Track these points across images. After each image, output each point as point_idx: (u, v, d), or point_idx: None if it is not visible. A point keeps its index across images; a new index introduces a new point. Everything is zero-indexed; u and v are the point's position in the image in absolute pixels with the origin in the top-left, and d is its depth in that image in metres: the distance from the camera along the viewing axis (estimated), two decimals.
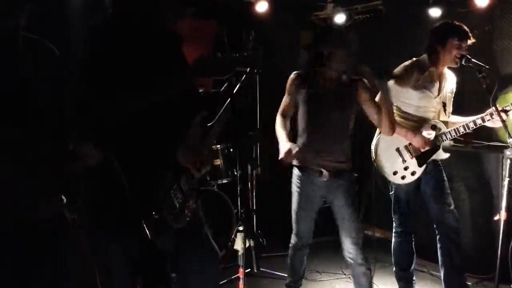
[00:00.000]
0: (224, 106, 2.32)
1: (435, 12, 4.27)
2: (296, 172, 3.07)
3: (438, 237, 3.38)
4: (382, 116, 2.89)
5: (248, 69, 2.31)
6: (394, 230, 3.53)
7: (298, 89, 3.00)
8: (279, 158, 2.80)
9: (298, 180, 3.05)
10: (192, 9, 2.08)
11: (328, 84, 2.96)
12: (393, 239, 3.55)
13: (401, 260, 3.53)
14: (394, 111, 3.26)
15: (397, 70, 3.30)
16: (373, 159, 3.42)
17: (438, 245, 3.38)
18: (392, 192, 3.45)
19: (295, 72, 3.07)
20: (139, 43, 1.95)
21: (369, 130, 3.45)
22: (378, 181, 3.61)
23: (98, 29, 1.98)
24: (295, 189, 3.08)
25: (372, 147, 3.44)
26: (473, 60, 3.06)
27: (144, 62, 1.93)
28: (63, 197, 1.80)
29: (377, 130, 3.47)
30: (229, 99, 2.27)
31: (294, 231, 3.14)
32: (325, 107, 2.93)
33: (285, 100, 3.08)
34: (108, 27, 1.96)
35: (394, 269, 3.59)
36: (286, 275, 4.11)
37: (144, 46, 1.96)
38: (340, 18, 4.99)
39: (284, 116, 3.05)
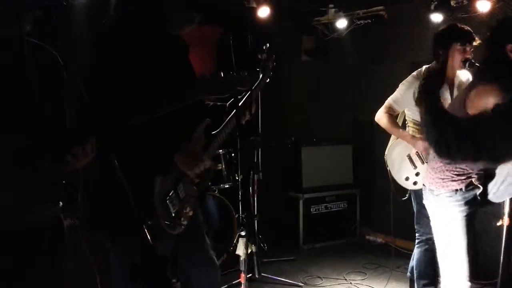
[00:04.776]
0: (230, 116, 2.28)
1: (436, 18, 4.26)
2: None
3: None
4: None
5: (249, 89, 2.28)
6: (416, 242, 3.36)
7: None
8: None
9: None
10: (198, 15, 2.06)
11: None
12: (415, 251, 3.37)
13: (423, 272, 3.30)
14: (406, 118, 3.26)
15: (408, 78, 3.33)
16: (387, 166, 3.46)
17: None
18: (406, 197, 3.43)
19: None
20: (146, 49, 1.92)
21: (367, 132, 3.45)
22: (386, 186, 3.58)
23: (104, 34, 1.96)
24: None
25: (386, 155, 3.48)
26: (476, 64, 3.05)
27: (152, 70, 1.91)
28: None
29: (392, 138, 3.51)
30: (235, 110, 2.24)
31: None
32: None
33: None
34: (115, 32, 1.94)
35: (416, 286, 3.33)
36: (287, 280, 4.11)
37: (151, 53, 1.94)
38: (341, 23, 5.00)
39: None
